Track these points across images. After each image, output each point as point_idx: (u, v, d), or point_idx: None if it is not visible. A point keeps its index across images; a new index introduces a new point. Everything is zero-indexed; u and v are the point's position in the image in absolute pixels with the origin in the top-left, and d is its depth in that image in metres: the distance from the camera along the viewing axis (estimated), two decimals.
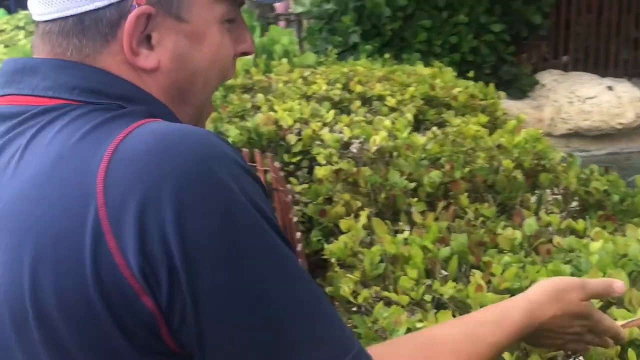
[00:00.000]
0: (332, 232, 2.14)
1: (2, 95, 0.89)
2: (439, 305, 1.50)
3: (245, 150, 2.88)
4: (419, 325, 1.38)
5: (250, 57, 4.16)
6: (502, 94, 4.03)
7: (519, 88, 7.56)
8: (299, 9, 7.32)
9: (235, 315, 0.78)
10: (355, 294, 1.64)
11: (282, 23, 7.60)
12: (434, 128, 2.97)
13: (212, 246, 0.76)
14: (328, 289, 1.83)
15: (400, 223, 2.01)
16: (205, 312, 0.76)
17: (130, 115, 0.85)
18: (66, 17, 0.88)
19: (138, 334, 0.78)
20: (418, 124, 3.17)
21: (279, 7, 8.69)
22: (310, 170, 2.79)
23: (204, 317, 0.76)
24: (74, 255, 0.76)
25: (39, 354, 0.82)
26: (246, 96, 3.48)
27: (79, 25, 0.88)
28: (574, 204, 2.21)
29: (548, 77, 7.96)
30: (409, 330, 1.39)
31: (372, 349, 0.87)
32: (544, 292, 1.03)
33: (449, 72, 3.98)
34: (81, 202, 0.77)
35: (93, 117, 0.84)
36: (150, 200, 0.75)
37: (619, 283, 1.08)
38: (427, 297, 1.51)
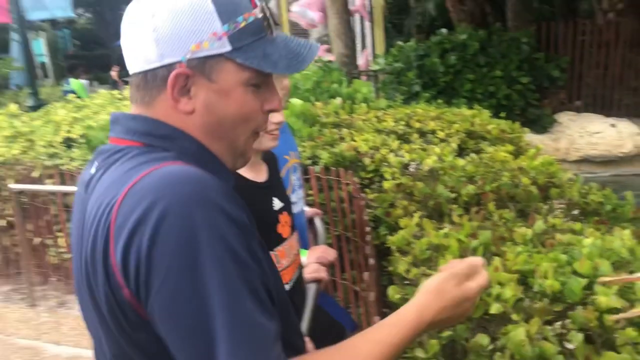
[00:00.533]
0: (394, 228, 2.16)
1: (108, 137, 0.97)
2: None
3: (333, 168, 2.96)
4: None
5: (339, 103, 4.21)
6: (526, 129, 3.96)
7: (542, 125, 7.36)
8: (376, 67, 7.36)
9: (173, 316, 0.77)
10: (407, 271, 1.68)
11: (363, 77, 7.65)
12: (472, 154, 2.95)
13: (167, 263, 0.77)
14: (390, 268, 1.88)
15: (444, 223, 2.02)
16: (153, 308, 0.78)
17: (162, 159, 0.87)
18: (138, 74, 0.92)
19: (128, 313, 0.82)
20: (461, 151, 3.16)
21: (361, 65, 8.73)
22: (379, 184, 2.84)
23: (151, 311, 0.79)
24: (98, 253, 0.83)
25: (94, 317, 0.89)
26: (335, 130, 3.52)
27: (143, 80, 0.92)
28: (576, 211, 2.17)
29: (564, 117, 7.71)
30: None
31: None
32: (427, 292, 0.95)
33: (486, 113, 3.94)
34: (107, 218, 0.82)
35: (139, 158, 0.88)
36: (140, 222, 0.78)
37: (477, 259, 1.01)
38: None
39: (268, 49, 0.92)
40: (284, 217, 1.64)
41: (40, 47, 23.23)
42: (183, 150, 0.92)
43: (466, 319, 0.99)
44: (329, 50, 9.97)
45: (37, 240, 4.18)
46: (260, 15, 0.92)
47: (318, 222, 2.30)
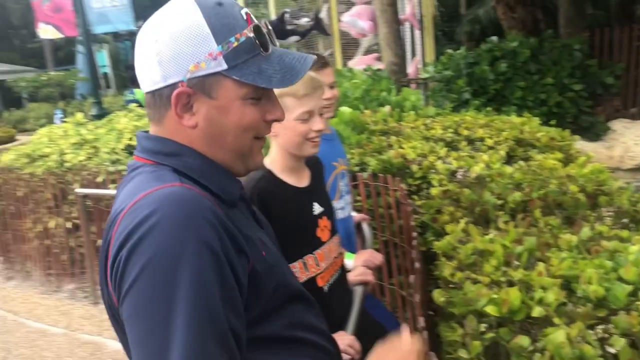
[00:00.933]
0: (440, 234, 2.17)
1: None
2: (511, 284, 1.53)
3: (381, 175, 3.00)
4: (494, 296, 1.42)
5: (387, 111, 4.24)
6: (576, 137, 3.87)
7: (595, 133, 7.16)
8: (425, 75, 7.35)
9: (133, 320, 0.84)
10: (452, 275, 1.70)
11: (413, 85, 7.64)
12: (521, 162, 2.94)
13: (138, 271, 0.83)
14: (436, 273, 1.90)
15: (489, 229, 2.02)
16: (122, 307, 0.86)
17: (168, 180, 0.94)
18: (147, 93, 1.02)
19: (117, 316, 0.91)
20: (509, 159, 3.14)
21: (411, 73, 8.71)
22: (427, 191, 2.85)
23: (122, 311, 0.87)
24: (102, 259, 0.94)
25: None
26: (383, 137, 3.55)
27: (152, 99, 1.01)
28: (625, 220, 2.13)
29: (619, 125, 7.47)
30: (489, 300, 1.43)
31: None
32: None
33: (535, 121, 3.89)
34: (111, 227, 0.92)
35: (148, 176, 0.97)
36: (130, 233, 0.86)
37: (406, 331, 1.07)
38: (503, 279, 1.55)
39: (263, 65, 0.98)
40: (323, 222, 1.69)
41: (103, 58, 24.17)
42: (187, 166, 0.99)
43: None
44: (378, 59, 10.00)
45: (100, 241, 4.37)
46: (251, 35, 0.97)
47: (365, 227, 2.35)
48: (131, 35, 28.17)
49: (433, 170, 2.83)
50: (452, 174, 2.74)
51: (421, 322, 1.48)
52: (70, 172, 4.66)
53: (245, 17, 0.99)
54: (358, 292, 1.77)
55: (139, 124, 5.17)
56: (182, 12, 0.97)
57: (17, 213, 5.20)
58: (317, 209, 1.69)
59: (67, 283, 4.92)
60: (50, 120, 17.85)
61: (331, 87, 2.19)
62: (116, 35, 25.57)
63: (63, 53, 27.79)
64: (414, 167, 2.93)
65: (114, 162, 4.48)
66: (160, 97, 0.99)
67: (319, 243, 1.66)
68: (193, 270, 0.84)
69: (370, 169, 3.08)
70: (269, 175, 1.64)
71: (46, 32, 18.78)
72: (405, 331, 1.05)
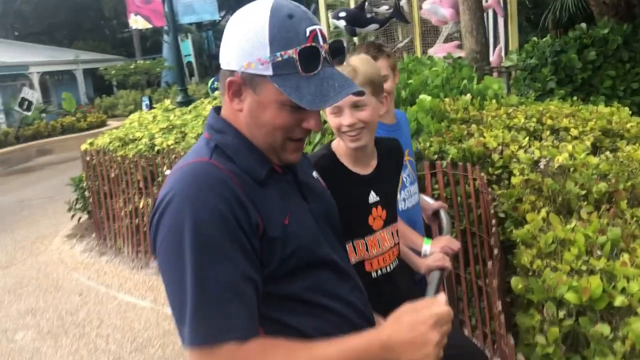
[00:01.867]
0: (520, 223, 2.16)
1: None
2: (592, 273, 1.51)
3: (460, 164, 3.00)
4: (574, 284, 1.42)
5: (469, 99, 4.19)
6: None
7: None
8: (509, 63, 7.15)
9: (163, 277, 1.06)
10: (531, 263, 1.70)
11: (495, 74, 7.46)
12: (607, 153, 2.85)
13: (161, 237, 1.06)
14: (514, 261, 1.90)
15: (571, 219, 1.98)
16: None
17: (203, 154, 1.15)
18: (221, 69, 1.19)
19: None
20: (595, 150, 3.04)
21: (493, 61, 8.50)
22: (507, 180, 2.81)
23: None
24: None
25: None
26: (463, 126, 3.52)
27: (222, 76, 1.18)
28: None
29: None
30: (568, 288, 1.43)
31: (259, 343, 1.01)
32: (388, 320, 1.05)
33: (625, 111, 3.73)
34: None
35: (196, 148, 1.20)
36: (158, 205, 1.09)
37: (440, 296, 1.05)
38: (584, 268, 1.54)
39: (302, 82, 1.09)
40: (377, 211, 1.73)
41: (187, 48, 25.03)
42: (227, 143, 1.17)
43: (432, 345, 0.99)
44: (459, 47, 9.80)
45: None
46: (294, 56, 1.08)
47: (444, 214, 2.37)
48: (213, 25, 28.99)
49: (514, 160, 2.80)
50: (535, 163, 2.69)
51: (498, 305, 1.50)
52: (160, 155, 4.92)
53: (308, 34, 1.10)
54: (435, 276, 1.80)
55: None
56: (256, 14, 1.11)
57: (110, 193, 5.55)
58: (372, 197, 1.73)
59: (154, 260, 5.21)
60: (138, 107, 18.74)
61: (384, 79, 2.12)
62: (199, 26, 26.40)
63: (150, 42, 29.00)
64: (495, 156, 2.90)
65: None
66: (223, 77, 1.16)
67: (369, 230, 1.71)
68: (195, 237, 1.01)
69: (450, 157, 3.08)
70: (331, 155, 1.74)
71: (136, 22, 19.70)
72: (438, 297, 1.06)
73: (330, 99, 1.10)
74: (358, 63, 1.69)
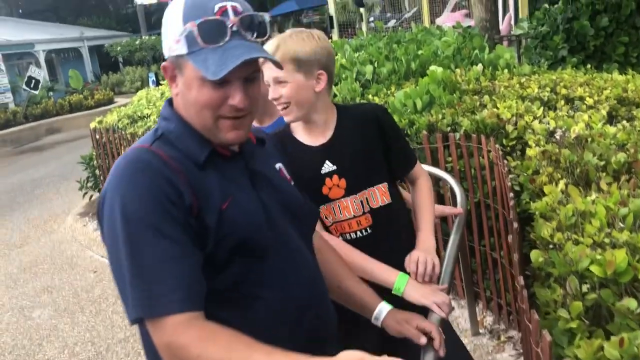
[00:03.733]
0: (537, 195, 2.12)
1: None
2: (615, 246, 1.49)
3: (474, 135, 2.95)
4: (598, 257, 1.39)
5: (480, 69, 4.13)
6: None
7: None
8: (519, 31, 7.03)
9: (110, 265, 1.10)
10: (551, 236, 1.68)
11: (505, 42, 7.34)
12: (624, 122, 2.79)
13: (104, 228, 1.11)
14: (532, 234, 1.87)
15: (590, 191, 1.96)
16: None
17: (144, 141, 1.20)
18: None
19: None
20: (611, 119, 2.98)
21: (503, 30, 8.37)
22: (522, 152, 2.78)
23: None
24: None
25: None
26: (476, 97, 3.48)
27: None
28: None
29: None
30: (591, 262, 1.40)
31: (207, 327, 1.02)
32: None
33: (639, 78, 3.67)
34: None
35: (143, 137, 1.24)
36: (101, 194, 1.13)
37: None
38: (606, 240, 1.51)
39: (209, 56, 1.11)
40: (333, 180, 1.71)
41: None
42: (170, 129, 1.20)
43: None
44: (467, 15, 9.65)
45: None
46: (193, 29, 1.11)
47: (454, 185, 2.33)
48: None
49: (530, 131, 2.75)
50: (550, 134, 2.65)
51: (520, 280, 1.48)
52: None
53: (216, 10, 1.11)
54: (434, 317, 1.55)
55: None
56: None
57: None
58: (327, 167, 1.72)
59: None
60: (144, 83, 18.69)
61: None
62: None
63: (155, 18, 28.73)
64: (509, 127, 2.86)
65: None
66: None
67: (325, 199, 1.71)
68: (126, 221, 1.05)
69: (463, 129, 3.04)
70: (285, 130, 1.79)
71: None
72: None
73: (227, 67, 1.09)
74: (282, 38, 1.68)
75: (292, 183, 1.41)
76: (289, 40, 1.67)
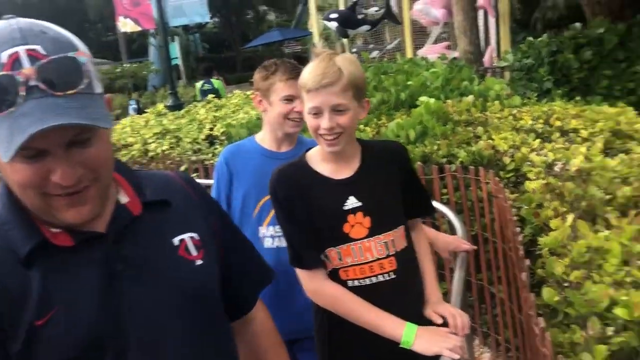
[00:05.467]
0: (542, 230, 2.08)
1: None
2: (636, 286, 1.44)
3: (472, 167, 2.91)
4: (623, 298, 1.34)
5: (471, 100, 4.11)
6: None
7: None
8: (504, 63, 7.12)
9: None
10: (566, 274, 1.62)
11: (489, 74, 7.42)
12: (621, 154, 2.78)
13: None
14: (540, 271, 1.81)
15: (597, 226, 1.91)
16: None
17: None
18: None
19: None
20: (606, 151, 2.98)
21: (485, 62, 8.47)
22: (517, 184, 2.74)
23: None
24: None
25: None
26: (469, 128, 3.46)
27: None
28: None
29: None
30: (614, 303, 1.34)
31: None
32: None
33: (631, 111, 3.68)
34: None
35: None
36: None
37: None
38: (627, 279, 1.46)
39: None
40: (356, 218, 1.54)
41: (174, 50, 24.83)
42: None
43: None
44: (448, 47, 9.76)
45: None
46: None
47: (454, 219, 2.28)
48: (200, 28, 28.80)
49: (528, 163, 2.72)
50: (549, 166, 2.62)
51: (540, 322, 1.41)
52: (154, 161, 4.80)
53: (6, 60, 0.83)
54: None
55: (218, 114, 5.26)
56: None
57: None
58: (350, 203, 1.55)
59: None
60: (125, 111, 18.53)
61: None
62: (186, 28, 26.23)
63: (136, 45, 28.80)
64: (506, 159, 2.83)
65: (195, 152, 4.58)
66: None
67: (345, 239, 1.54)
68: None
69: (459, 160, 3.00)
70: (300, 162, 1.61)
71: (125, 25, 19.44)
72: None
73: (14, 144, 0.82)
74: (343, 63, 1.50)
75: (201, 257, 1.08)
76: (348, 64, 1.51)
